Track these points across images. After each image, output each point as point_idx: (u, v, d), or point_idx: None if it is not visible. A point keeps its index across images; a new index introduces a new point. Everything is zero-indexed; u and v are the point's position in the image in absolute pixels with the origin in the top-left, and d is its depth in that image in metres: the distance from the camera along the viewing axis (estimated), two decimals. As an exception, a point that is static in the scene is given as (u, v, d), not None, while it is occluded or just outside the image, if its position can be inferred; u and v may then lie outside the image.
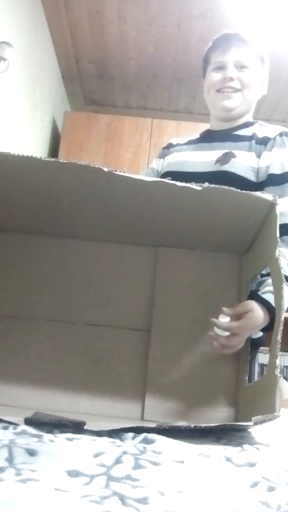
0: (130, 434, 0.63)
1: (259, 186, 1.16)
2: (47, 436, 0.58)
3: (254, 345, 1.07)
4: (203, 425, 0.69)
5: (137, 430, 0.64)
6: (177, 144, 1.36)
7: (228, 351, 0.93)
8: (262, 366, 2.48)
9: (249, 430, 0.77)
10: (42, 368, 0.96)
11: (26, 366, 0.96)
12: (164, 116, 3.46)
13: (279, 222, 0.79)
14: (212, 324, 0.91)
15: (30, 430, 0.61)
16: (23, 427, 0.62)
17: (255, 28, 2.64)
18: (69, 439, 0.58)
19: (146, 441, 0.60)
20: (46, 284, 1.01)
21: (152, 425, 0.68)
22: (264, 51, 1.30)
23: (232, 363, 0.96)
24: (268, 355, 0.76)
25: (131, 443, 0.60)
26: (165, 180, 0.80)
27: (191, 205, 0.87)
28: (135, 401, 0.94)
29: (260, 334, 1.13)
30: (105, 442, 0.59)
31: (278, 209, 0.80)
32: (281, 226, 0.85)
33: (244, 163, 1.18)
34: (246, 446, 0.63)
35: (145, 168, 1.92)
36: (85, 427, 0.65)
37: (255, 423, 0.66)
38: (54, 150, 3.27)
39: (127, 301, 1.00)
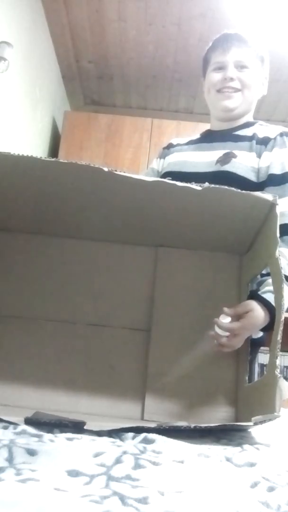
0: (130, 434, 0.63)
1: (260, 186, 1.16)
2: (47, 436, 0.58)
3: (254, 345, 1.08)
4: (203, 425, 0.69)
5: (137, 430, 0.64)
6: (178, 144, 1.36)
7: (228, 350, 0.94)
8: (262, 366, 2.48)
9: (249, 430, 0.77)
10: (42, 368, 0.96)
11: (26, 366, 0.96)
12: (164, 116, 3.46)
13: (279, 222, 0.79)
14: (213, 324, 0.92)
15: (30, 430, 0.61)
16: (23, 427, 0.62)
17: (255, 28, 2.64)
18: (69, 439, 0.58)
19: (146, 441, 0.60)
20: (46, 284, 1.01)
21: (152, 425, 0.68)
22: (264, 51, 1.30)
23: (232, 363, 0.96)
24: (268, 355, 0.76)
25: (131, 443, 0.60)
26: (165, 180, 0.79)
27: (191, 205, 0.87)
28: (135, 401, 0.94)
29: (260, 334, 1.13)
30: (105, 442, 0.59)
31: (278, 209, 0.80)
32: (281, 226, 0.85)
33: (244, 163, 1.18)
34: (246, 446, 0.63)
35: (145, 168, 1.92)
36: (85, 427, 0.65)
37: (255, 423, 0.66)
38: (54, 150, 3.27)
39: (127, 301, 1.00)
